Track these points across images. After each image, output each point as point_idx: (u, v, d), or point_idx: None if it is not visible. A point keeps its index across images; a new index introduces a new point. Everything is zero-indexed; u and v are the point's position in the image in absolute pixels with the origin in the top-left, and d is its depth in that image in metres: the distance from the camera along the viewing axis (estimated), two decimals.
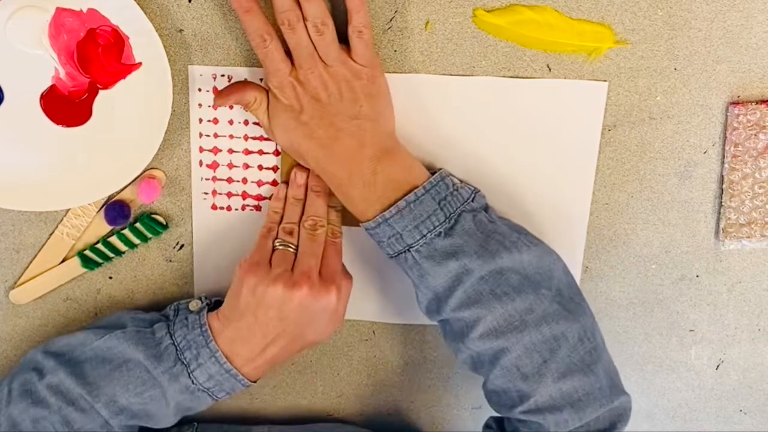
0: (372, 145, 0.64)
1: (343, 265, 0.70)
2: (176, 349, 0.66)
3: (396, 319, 0.77)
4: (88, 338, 0.69)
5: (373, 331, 0.78)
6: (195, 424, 0.77)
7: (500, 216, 0.68)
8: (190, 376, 0.66)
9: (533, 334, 0.61)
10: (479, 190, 0.66)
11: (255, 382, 0.68)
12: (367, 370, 0.80)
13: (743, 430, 0.84)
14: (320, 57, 0.63)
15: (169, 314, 0.71)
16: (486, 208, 0.66)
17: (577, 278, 0.75)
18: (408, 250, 0.63)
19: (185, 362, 0.66)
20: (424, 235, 0.63)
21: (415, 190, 0.63)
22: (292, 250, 0.67)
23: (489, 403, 0.68)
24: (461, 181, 0.66)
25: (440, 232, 0.63)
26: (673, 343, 0.79)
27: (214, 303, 0.72)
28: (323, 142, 0.64)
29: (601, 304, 0.77)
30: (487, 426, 0.68)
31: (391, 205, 0.63)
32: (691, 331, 0.79)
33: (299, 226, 0.68)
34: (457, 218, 0.63)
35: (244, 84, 0.66)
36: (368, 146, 0.64)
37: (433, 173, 0.66)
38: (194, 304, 0.70)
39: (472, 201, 0.65)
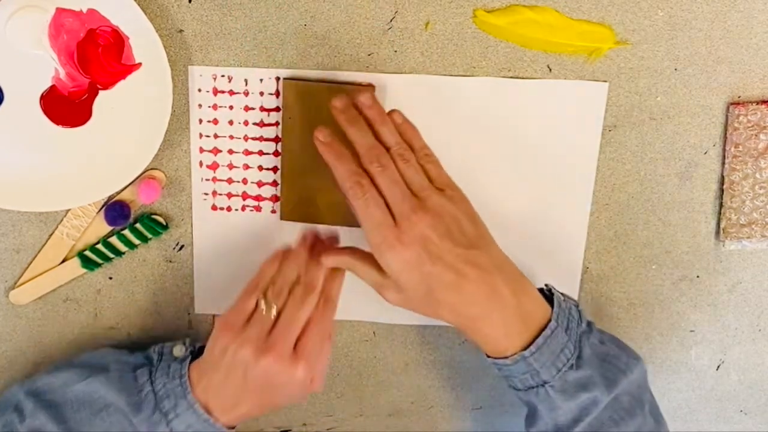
0: (498, 272, 0.60)
1: (330, 335, 0.66)
2: (155, 398, 0.65)
3: (396, 319, 0.77)
4: (70, 379, 0.68)
5: (374, 332, 0.78)
6: None
7: (597, 329, 0.66)
8: (168, 425, 0.64)
9: None
10: (578, 303, 0.66)
11: (233, 428, 0.67)
12: (367, 370, 0.80)
13: (744, 430, 0.84)
14: (411, 191, 0.60)
15: (153, 357, 0.69)
16: (590, 325, 0.65)
17: (577, 278, 0.75)
18: (542, 385, 0.61)
19: (164, 412, 0.64)
20: (560, 369, 0.61)
21: (550, 324, 0.61)
22: (273, 314, 0.63)
23: None
24: (563, 295, 0.65)
25: (572, 365, 0.61)
26: (673, 344, 0.79)
27: (198, 349, 0.70)
28: (454, 288, 0.59)
29: (601, 304, 0.77)
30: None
31: (531, 340, 0.60)
32: (691, 331, 0.79)
33: (290, 288, 0.65)
34: (581, 347, 0.62)
35: (351, 254, 0.64)
36: (496, 274, 0.60)
37: (541, 290, 0.64)
38: (178, 350, 0.68)
39: (581, 321, 0.64)
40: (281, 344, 0.62)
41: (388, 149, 0.61)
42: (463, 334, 0.63)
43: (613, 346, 0.65)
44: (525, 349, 0.60)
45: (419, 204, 0.59)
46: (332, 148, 0.61)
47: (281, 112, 0.69)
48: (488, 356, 0.63)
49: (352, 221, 0.68)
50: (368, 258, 0.62)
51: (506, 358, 0.61)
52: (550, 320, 0.61)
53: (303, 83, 0.68)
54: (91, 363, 0.70)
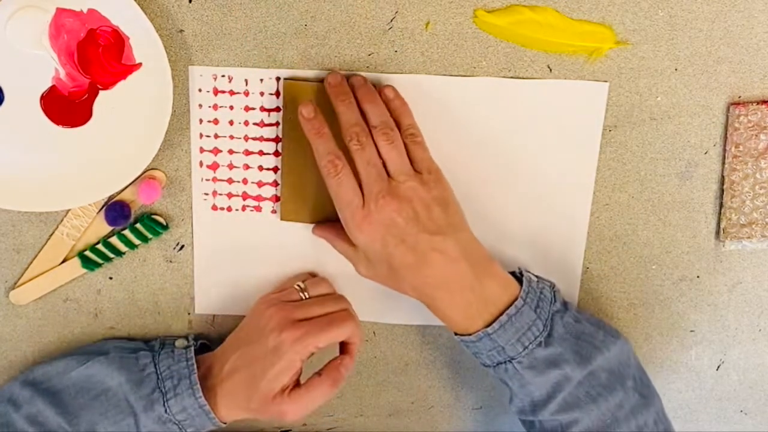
0: (464, 258, 0.63)
1: (336, 382, 0.68)
2: (158, 377, 0.67)
3: (396, 319, 0.77)
4: (69, 365, 0.69)
5: (374, 332, 0.78)
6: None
7: (576, 309, 0.68)
8: (164, 405, 0.66)
9: (623, 428, 0.63)
10: (554, 284, 0.67)
11: (225, 424, 0.68)
12: (367, 370, 0.80)
13: (744, 430, 0.84)
14: (388, 173, 0.62)
15: (154, 345, 0.72)
16: (566, 305, 0.67)
17: (577, 279, 0.75)
18: (509, 361, 0.63)
19: (163, 390, 0.66)
20: (526, 347, 0.62)
21: (516, 302, 0.63)
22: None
23: None
24: (536, 277, 0.66)
25: (540, 342, 0.63)
26: (673, 344, 0.79)
27: (200, 345, 0.73)
28: (414, 269, 0.62)
29: (601, 304, 0.77)
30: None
31: (493, 320, 0.62)
32: (691, 331, 0.79)
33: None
34: (551, 325, 0.64)
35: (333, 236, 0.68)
36: (460, 260, 0.62)
37: (512, 273, 0.66)
38: (180, 343, 0.71)
39: (555, 301, 0.65)
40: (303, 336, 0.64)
41: (373, 127, 0.62)
42: (431, 311, 0.65)
43: (588, 324, 0.66)
44: (489, 325, 0.62)
45: (389, 188, 0.61)
46: (313, 125, 0.63)
47: (281, 112, 0.69)
48: (455, 334, 0.65)
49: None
50: (344, 233, 0.65)
51: (470, 335, 0.63)
52: (515, 299, 0.63)
53: (303, 83, 0.68)
54: (91, 351, 0.71)
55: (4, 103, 0.66)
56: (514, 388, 0.65)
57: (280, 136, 0.70)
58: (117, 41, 0.64)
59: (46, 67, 0.65)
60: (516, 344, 0.62)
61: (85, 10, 0.63)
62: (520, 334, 0.62)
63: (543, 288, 0.65)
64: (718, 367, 0.80)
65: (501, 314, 0.62)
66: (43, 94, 0.66)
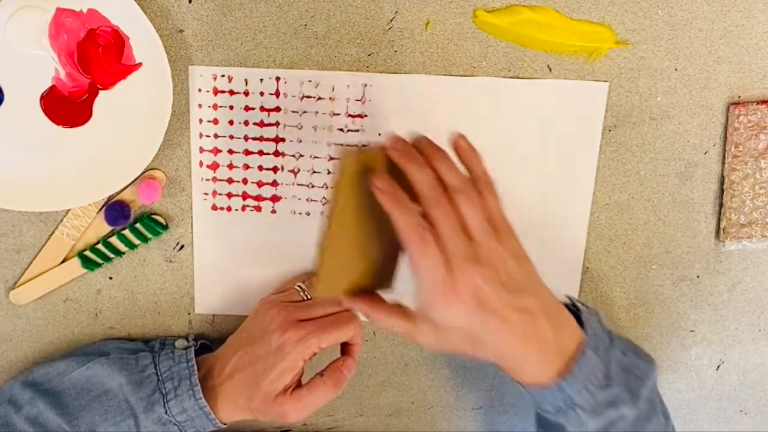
0: (543, 313, 0.59)
1: (338, 384, 0.67)
2: (158, 379, 0.67)
3: None
4: (69, 366, 0.69)
5: (374, 332, 0.78)
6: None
7: (616, 336, 0.66)
8: (165, 406, 0.66)
9: None
10: (598, 313, 0.65)
11: (225, 425, 0.68)
12: (367, 370, 0.80)
13: (744, 430, 0.84)
14: (469, 235, 0.57)
15: (154, 346, 0.72)
16: (611, 336, 0.65)
17: (577, 279, 0.75)
18: (573, 408, 0.60)
19: (164, 392, 0.66)
20: (591, 392, 0.59)
21: (583, 349, 0.59)
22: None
23: None
24: (584, 306, 0.64)
25: (602, 384, 0.60)
26: (673, 344, 0.79)
27: (200, 345, 0.73)
28: (497, 333, 0.57)
29: (601, 304, 0.77)
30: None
31: (565, 368, 0.59)
32: (691, 331, 0.79)
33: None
34: (609, 365, 0.61)
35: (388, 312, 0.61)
36: (541, 316, 0.58)
37: (567, 306, 0.63)
38: (180, 343, 0.71)
39: (604, 335, 0.63)
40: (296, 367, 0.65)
41: (452, 189, 0.57)
42: (500, 368, 0.61)
43: (632, 355, 0.65)
44: (560, 376, 0.59)
45: (475, 254, 0.56)
46: (393, 197, 0.56)
47: (335, 181, 0.59)
48: (522, 385, 0.62)
49: (385, 285, 0.64)
50: (390, 306, 0.61)
51: (542, 386, 0.60)
52: (582, 345, 0.60)
53: (364, 150, 0.64)
54: (91, 351, 0.71)
55: (3, 103, 0.66)
56: (570, 429, 0.62)
57: (281, 136, 0.70)
58: (117, 41, 0.64)
59: (46, 67, 0.65)
60: (583, 391, 0.59)
61: (84, 10, 0.63)
62: (588, 381, 0.59)
63: (595, 325, 0.63)
64: (718, 367, 0.80)
65: (571, 361, 0.59)
66: (43, 94, 0.66)
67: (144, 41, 0.64)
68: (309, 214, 0.73)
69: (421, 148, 0.59)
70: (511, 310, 0.57)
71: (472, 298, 0.56)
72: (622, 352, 0.64)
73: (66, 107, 0.66)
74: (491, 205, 0.59)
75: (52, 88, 0.66)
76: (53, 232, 0.72)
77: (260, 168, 0.72)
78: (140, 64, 0.65)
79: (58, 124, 0.67)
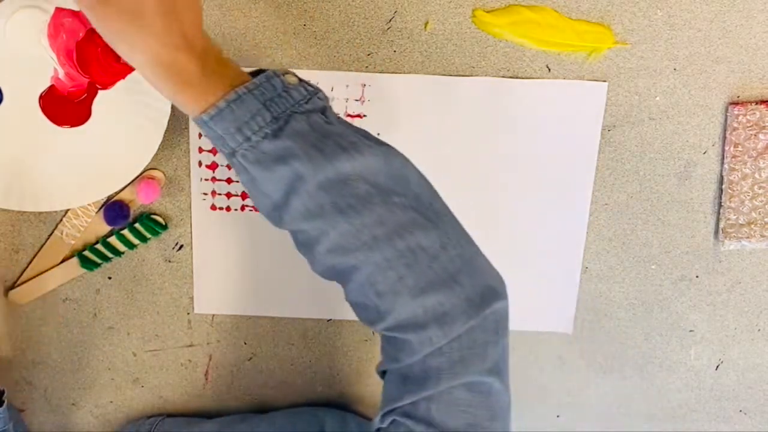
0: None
1: None
2: None
3: None
4: None
5: (373, 332, 0.78)
6: (163, 416, 0.78)
7: (344, 119, 0.59)
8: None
9: (385, 249, 0.54)
10: (319, 91, 0.57)
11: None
12: (367, 370, 0.80)
13: (743, 430, 0.84)
14: None
15: None
16: (324, 110, 0.57)
17: (577, 278, 0.75)
18: (233, 154, 0.55)
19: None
20: (248, 138, 0.54)
21: (236, 89, 0.54)
22: None
23: (356, 315, 0.60)
24: (301, 81, 0.57)
25: (266, 134, 0.54)
26: (672, 344, 0.79)
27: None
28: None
29: (600, 304, 0.77)
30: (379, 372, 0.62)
31: (212, 106, 0.54)
32: (690, 331, 0.79)
33: None
34: (287, 119, 0.55)
35: None
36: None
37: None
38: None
39: (307, 102, 0.56)
40: None
41: None
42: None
43: (344, 127, 0.57)
44: (206, 111, 0.54)
45: None
46: None
47: None
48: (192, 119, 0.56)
49: None
50: None
51: (195, 117, 0.55)
52: (241, 89, 0.54)
53: None
54: None
55: (3, 103, 0.66)
56: (246, 186, 0.57)
57: None
58: None
59: (45, 67, 0.65)
60: (236, 134, 0.54)
61: None
62: (241, 123, 0.54)
63: (292, 88, 0.56)
64: (717, 366, 0.80)
65: (221, 100, 0.54)
66: (42, 94, 0.66)
67: None
68: None
69: None
70: (159, 13, 0.52)
71: None
72: (328, 121, 0.57)
73: (65, 107, 0.66)
74: None
75: (51, 87, 0.66)
76: (52, 232, 0.72)
77: None
78: None
79: (57, 123, 0.67)
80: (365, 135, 0.57)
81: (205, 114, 0.54)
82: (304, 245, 0.58)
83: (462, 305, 0.54)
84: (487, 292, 0.55)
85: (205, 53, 0.55)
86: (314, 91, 0.57)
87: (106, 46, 0.62)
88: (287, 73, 0.56)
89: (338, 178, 0.54)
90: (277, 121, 0.54)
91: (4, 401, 0.72)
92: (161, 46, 0.53)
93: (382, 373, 0.59)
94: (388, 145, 0.57)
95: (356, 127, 0.58)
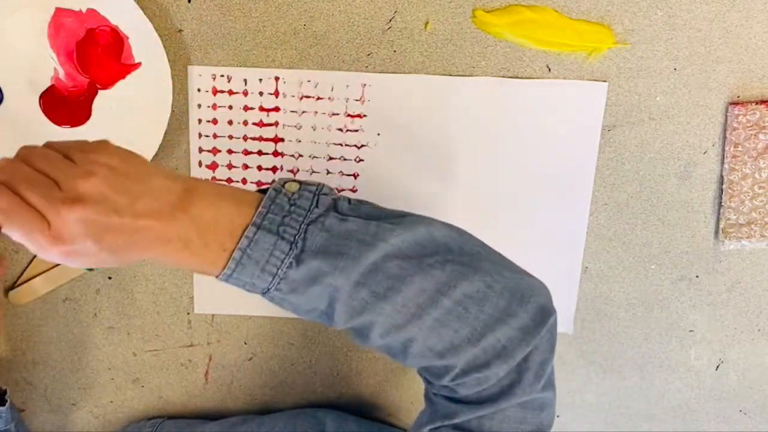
0: (169, 209, 0.53)
1: None
2: None
3: None
4: None
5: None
6: (163, 418, 0.78)
7: (356, 201, 0.58)
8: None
9: (433, 312, 0.55)
10: (322, 187, 0.57)
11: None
12: (367, 370, 0.80)
13: (743, 430, 0.84)
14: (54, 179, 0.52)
15: None
16: (335, 205, 0.57)
17: (577, 278, 0.75)
18: (268, 291, 0.55)
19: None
20: (275, 275, 0.54)
21: (246, 232, 0.53)
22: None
23: (420, 376, 0.62)
24: (301, 184, 0.56)
25: (290, 263, 0.54)
26: (672, 344, 0.79)
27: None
28: (127, 244, 0.53)
29: (600, 304, 0.77)
30: (425, 381, 0.62)
31: (231, 254, 0.54)
32: (690, 331, 0.79)
33: None
34: (304, 237, 0.55)
35: None
36: (166, 214, 0.53)
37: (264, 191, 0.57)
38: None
39: (316, 206, 0.56)
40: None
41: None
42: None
43: (356, 219, 0.56)
44: (227, 266, 0.54)
45: (65, 196, 0.51)
46: None
47: None
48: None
49: None
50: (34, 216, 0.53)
51: (220, 277, 0.55)
52: (245, 229, 0.54)
53: None
54: None
55: (3, 103, 0.66)
56: (292, 312, 0.58)
57: (280, 136, 0.70)
58: (116, 41, 0.64)
59: (46, 67, 0.65)
60: (263, 275, 0.54)
61: (84, 10, 0.63)
62: (263, 263, 0.54)
63: (297, 198, 0.56)
64: (718, 366, 0.80)
65: (234, 249, 0.54)
66: (42, 94, 0.66)
67: (143, 41, 0.64)
68: None
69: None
70: (131, 220, 0.52)
71: (83, 235, 0.51)
72: (341, 218, 0.56)
73: (65, 107, 0.66)
74: (60, 146, 0.53)
75: (52, 87, 0.66)
76: None
77: (259, 168, 0.72)
78: (139, 63, 0.65)
79: (57, 124, 0.67)
80: (380, 216, 0.57)
81: (227, 269, 0.54)
82: (359, 336, 0.59)
83: (518, 335, 0.56)
84: (538, 314, 0.57)
85: (184, 210, 0.53)
86: (318, 190, 0.57)
87: (107, 46, 0.62)
88: (287, 181, 0.56)
89: (369, 269, 0.55)
90: (296, 245, 0.54)
91: (6, 400, 0.72)
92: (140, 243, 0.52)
93: (427, 382, 0.61)
94: (404, 215, 0.58)
95: (369, 209, 0.58)
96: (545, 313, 0.57)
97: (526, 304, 0.56)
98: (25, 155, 0.52)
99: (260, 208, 0.54)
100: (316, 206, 0.56)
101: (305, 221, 0.55)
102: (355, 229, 0.55)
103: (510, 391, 0.56)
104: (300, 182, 0.56)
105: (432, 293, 0.55)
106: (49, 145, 0.53)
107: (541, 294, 0.58)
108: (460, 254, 0.57)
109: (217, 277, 0.55)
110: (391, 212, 0.58)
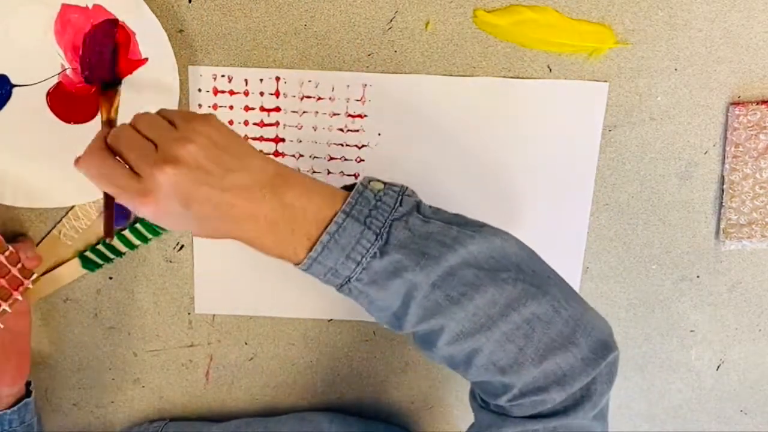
0: (258, 187, 0.55)
1: None
2: None
3: None
4: None
5: (374, 332, 0.78)
6: (166, 420, 0.78)
7: (435, 208, 0.61)
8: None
9: (502, 326, 0.56)
10: (406, 188, 0.59)
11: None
12: (367, 370, 0.80)
13: (744, 430, 0.84)
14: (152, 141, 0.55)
15: None
16: (418, 207, 0.59)
17: (578, 278, 0.75)
18: (348, 281, 0.57)
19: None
20: (359, 263, 0.56)
21: (335, 218, 0.56)
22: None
23: (473, 393, 0.64)
24: (385, 184, 0.59)
25: (375, 254, 0.56)
26: (673, 344, 0.79)
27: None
28: (214, 214, 0.55)
29: (601, 304, 0.77)
30: (473, 396, 0.64)
31: (315, 242, 0.56)
32: (691, 331, 0.79)
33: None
34: (388, 231, 0.57)
35: None
36: (255, 190, 0.55)
37: (350, 186, 0.59)
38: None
39: (400, 206, 0.58)
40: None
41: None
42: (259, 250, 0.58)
43: (439, 222, 0.58)
44: (312, 249, 0.56)
45: (161, 157, 0.54)
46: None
47: None
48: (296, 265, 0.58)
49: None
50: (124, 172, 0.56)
51: (301, 262, 0.57)
52: (335, 216, 0.56)
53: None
54: None
55: (11, 100, 0.66)
56: (365, 306, 0.59)
57: (281, 136, 0.70)
58: (123, 37, 0.64)
59: (53, 64, 0.65)
60: (347, 262, 0.56)
61: (90, 6, 0.63)
62: (349, 250, 0.56)
63: (383, 194, 0.58)
64: (718, 367, 0.80)
65: (323, 233, 0.56)
66: (49, 91, 0.66)
67: (149, 37, 0.64)
68: None
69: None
70: (220, 192, 0.54)
71: (172, 197, 0.53)
72: (424, 220, 0.58)
73: (73, 104, 0.66)
74: (168, 114, 0.56)
75: (59, 84, 0.66)
76: (52, 232, 0.72)
77: None
78: (146, 59, 0.65)
79: (64, 120, 0.67)
80: (460, 222, 0.59)
81: (313, 252, 0.56)
82: (425, 341, 0.60)
83: (580, 365, 0.57)
84: (600, 348, 0.58)
85: (274, 193, 0.56)
86: (402, 191, 0.59)
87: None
88: (371, 180, 0.58)
89: (447, 272, 0.56)
90: (381, 237, 0.56)
91: (31, 392, 0.72)
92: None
93: (481, 400, 0.62)
94: (482, 225, 0.60)
95: (450, 215, 0.60)
96: (607, 348, 0.59)
97: (589, 336, 0.58)
98: (135, 120, 0.56)
99: (349, 199, 0.56)
100: (400, 205, 0.58)
101: (390, 217, 0.57)
102: (437, 231, 0.57)
103: (564, 414, 0.57)
104: (384, 182, 0.58)
105: (503, 307, 0.57)
106: (158, 112, 0.56)
107: (604, 330, 0.59)
108: (532, 276, 0.59)
109: (297, 264, 0.57)
110: (470, 220, 0.60)
